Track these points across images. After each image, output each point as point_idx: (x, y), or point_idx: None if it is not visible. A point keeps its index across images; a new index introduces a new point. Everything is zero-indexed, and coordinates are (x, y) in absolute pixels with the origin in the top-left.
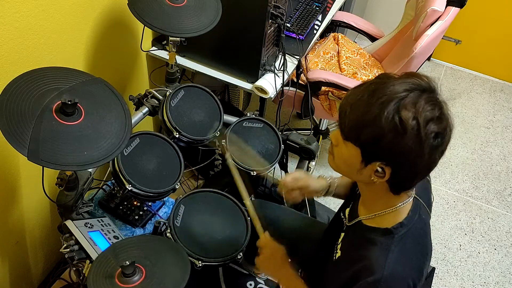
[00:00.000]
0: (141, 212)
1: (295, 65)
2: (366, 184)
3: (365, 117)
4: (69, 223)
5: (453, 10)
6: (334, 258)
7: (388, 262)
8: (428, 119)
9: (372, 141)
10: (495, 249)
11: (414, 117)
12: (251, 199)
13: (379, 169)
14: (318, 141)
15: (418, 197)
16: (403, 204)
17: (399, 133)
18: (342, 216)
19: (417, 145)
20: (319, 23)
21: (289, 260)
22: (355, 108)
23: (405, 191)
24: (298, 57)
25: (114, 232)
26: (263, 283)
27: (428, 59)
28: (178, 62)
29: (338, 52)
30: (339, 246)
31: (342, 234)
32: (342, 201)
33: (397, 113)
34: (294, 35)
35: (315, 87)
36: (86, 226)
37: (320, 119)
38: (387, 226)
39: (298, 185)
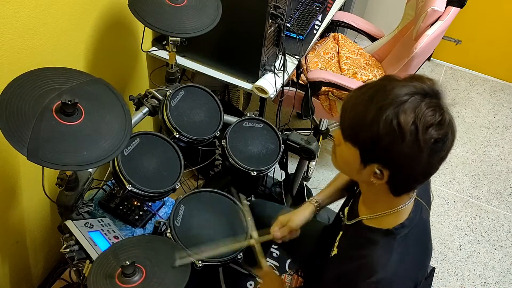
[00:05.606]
0: (141, 212)
1: (295, 65)
2: (367, 185)
3: (363, 119)
4: (69, 223)
5: (453, 10)
6: (330, 255)
7: (391, 262)
8: (428, 125)
9: (369, 143)
10: (495, 249)
11: (413, 122)
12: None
13: (378, 171)
14: (318, 141)
15: (419, 198)
16: (405, 206)
17: (397, 138)
18: (341, 215)
19: (415, 150)
20: (319, 23)
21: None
22: (354, 109)
23: (405, 193)
24: (298, 57)
25: (114, 232)
26: None
27: (428, 59)
28: (178, 62)
29: (338, 52)
30: (336, 244)
31: (341, 233)
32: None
33: (396, 117)
34: (294, 35)
35: (315, 87)
36: (86, 226)
37: (320, 119)
38: (388, 227)
39: (287, 232)
